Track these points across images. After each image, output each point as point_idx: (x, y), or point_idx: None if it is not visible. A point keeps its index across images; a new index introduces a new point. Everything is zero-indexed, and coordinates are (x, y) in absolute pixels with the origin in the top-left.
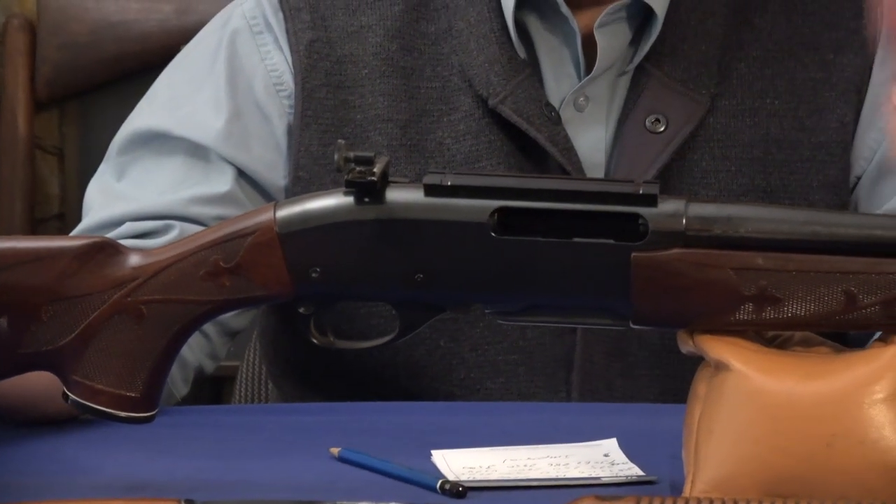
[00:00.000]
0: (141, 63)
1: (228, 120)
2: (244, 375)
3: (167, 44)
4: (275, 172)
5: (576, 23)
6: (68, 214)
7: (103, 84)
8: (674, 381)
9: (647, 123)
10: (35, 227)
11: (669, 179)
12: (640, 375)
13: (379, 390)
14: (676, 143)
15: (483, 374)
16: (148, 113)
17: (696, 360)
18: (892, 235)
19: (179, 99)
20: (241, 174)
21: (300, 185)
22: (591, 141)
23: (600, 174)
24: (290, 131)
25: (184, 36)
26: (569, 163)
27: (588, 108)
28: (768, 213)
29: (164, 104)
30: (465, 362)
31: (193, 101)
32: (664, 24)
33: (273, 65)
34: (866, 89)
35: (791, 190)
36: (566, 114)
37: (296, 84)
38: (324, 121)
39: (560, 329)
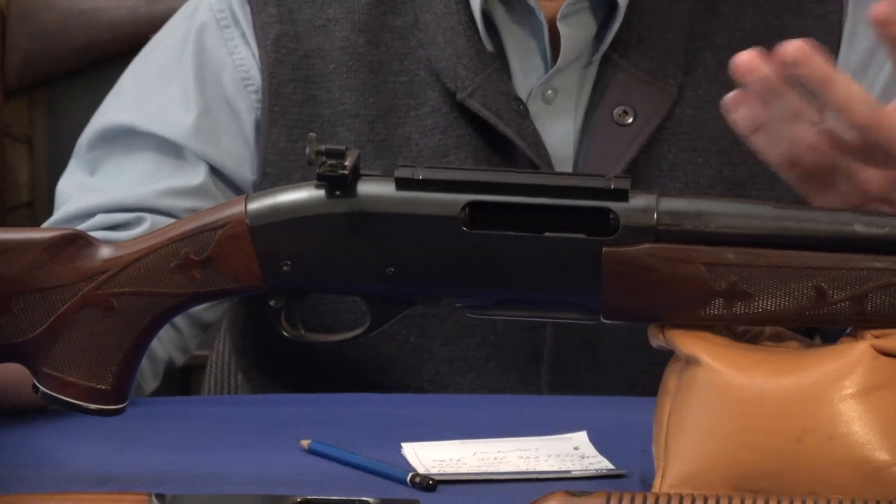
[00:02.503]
0: (111, 51)
1: (198, 116)
2: (214, 365)
3: (137, 32)
4: (244, 167)
5: (542, 14)
6: (37, 202)
7: (73, 72)
8: (644, 375)
9: (615, 115)
10: (4, 215)
11: (638, 172)
12: (611, 369)
13: (349, 385)
14: (645, 136)
15: (453, 369)
16: (116, 108)
17: (667, 355)
18: (862, 231)
19: (147, 94)
20: (213, 169)
21: (268, 181)
22: (559, 134)
23: (569, 167)
24: (258, 127)
25: (154, 25)
26: (537, 156)
27: (556, 100)
28: (739, 209)
29: (131, 99)
30: (436, 357)
31: (161, 95)
32: (630, 13)
33: (241, 59)
34: None
35: (759, 181)
36: (534, 107)
37: (263, 79)
38: (291, 116)
39: (530, 323)
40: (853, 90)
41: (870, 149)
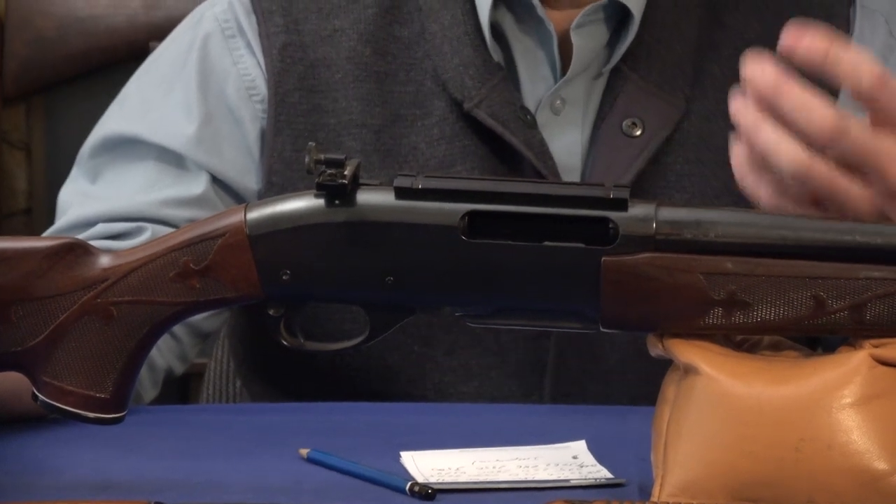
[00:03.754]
0: (108, 58)
1: (200, 125)
2: (212, 373)
3: (135, 39)
4: (247, 177)
5: (552, 25)
6: (35, 209)
7: (71, 79)
8: (647, 385)
9: (624, 127)
10: (1, 221)
11: (644, 183)
12: (613, 380)
13: (351, 394)
14: (653, 148)
15: (456, 378)
16: (119, 117)
17: (669, 366)
18: (861, 241)
19: (150, 103)
20: (215, 179)
21: (273, 191)
22: (566, 144)
23: (576, 178)
24: (263, 136)
25: (152, 31)
26: (544, 167)
27: (564, 110)
28: (738, 218)
29: (134, 108)
30: (439, 367)
31: (164, 105)
32: (640, 26)
33: (245, 69)
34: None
35: None
36: (542, 117)
37: (268, 88)
38: (297, 125)
39: (534, 333)
40: (809, 98)
41: (843, 162)
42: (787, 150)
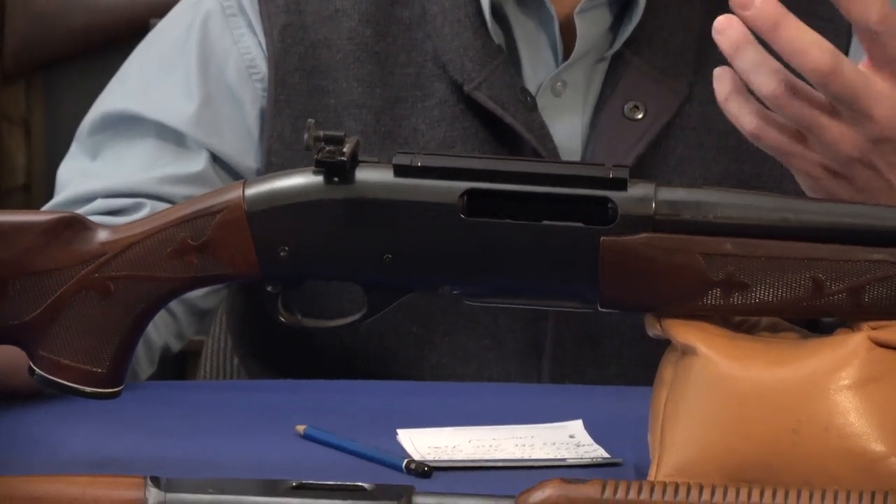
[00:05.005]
0: (109, 35)
1: (200, 106)
2: (210, 350)
3: (136, 16)
4: (247, 157)
5: (553, 7)
6: (34, 186)
7: (71, 56)
8: (645, 369)
9: (626, 110)
10: (0, 198)
11: (645, 167)
12: (612, 363)
13: (349, 376)
14: (654, 132)
15: (454, 360)
16: (119, 94)
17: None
18: (861, 223)
19: (150, 81)
20: (215, 158)
21: (272, 171)
22: (567, 127)
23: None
24: (263, 116)
25: (152, 9)
26: (544, 149)
27: (565, 93)
28: (738, 199)
29: (135, 86)
30: (437, 348)
31: (164, 84)
32: (644, 11)
33: (246, 48)
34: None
35: (765, 179)
36: (543, 100)
37: (269, 68)
38: (297, 106)
39: (532, 315)
40: (807, 35)
41: (833, 101)
42: (766, 75)
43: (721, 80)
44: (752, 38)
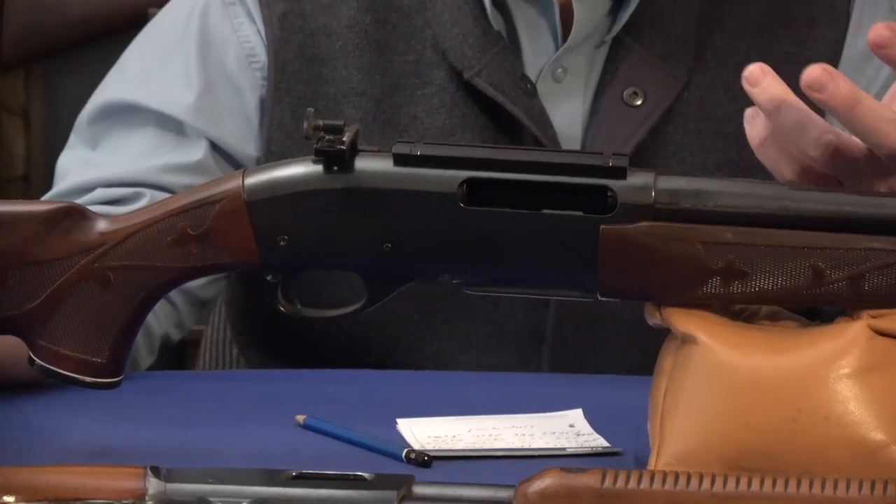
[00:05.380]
0: (108, 25)
1: (199, 95)
2: (209, 340)
3: (135, 6)
4: (247, 146)
5: None
6: (33, 176)
7: (70, 46)
8: (646, 357)
9: (625, 96)
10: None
11: (645, 153)
12: (612, 351)
13: (349, 364)
14: (654, 118)
15: (455, 348)
16: (118, 84)
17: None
18: (861, 211)
19: (150, 71)
20: (214, 146)
21: (272, 159)
22: (567, 113)
23: (576, 147)
24: (263, 104)
25: None
26: (544, 136)
27: (566, 79)
28: (737, 188)
29: (134, 75)
30: (437, 336)
31: (164, 73)
32: None
33: (245, 37)
34: (838, 63)
35: (764, 166)
36: (543, 86)
37: (268, 57)
38: (297, 94)
39: (533, 302)
40: (882, 113)
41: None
42: (890, 121)
43: (753, 125)
44: (791, 93)
